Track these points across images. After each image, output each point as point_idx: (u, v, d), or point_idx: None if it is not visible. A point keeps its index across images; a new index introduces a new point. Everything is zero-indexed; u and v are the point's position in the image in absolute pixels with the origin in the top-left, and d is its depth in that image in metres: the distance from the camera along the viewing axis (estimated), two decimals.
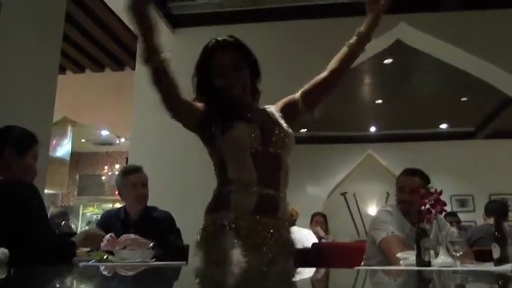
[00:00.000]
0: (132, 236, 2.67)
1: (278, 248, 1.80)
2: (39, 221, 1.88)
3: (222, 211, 1.78)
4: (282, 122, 1.93)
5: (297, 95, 1.99)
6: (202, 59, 1.89)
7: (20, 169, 2.07)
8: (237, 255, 1.69)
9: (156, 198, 3.26)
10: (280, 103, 2.02)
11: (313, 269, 1.83)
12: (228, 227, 1.74)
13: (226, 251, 1.72)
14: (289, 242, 1.89)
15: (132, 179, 3.00)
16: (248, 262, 1.69)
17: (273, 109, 1.99)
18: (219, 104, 1.85)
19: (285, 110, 1.98)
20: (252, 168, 1.79)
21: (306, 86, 1.99)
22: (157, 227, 2.92)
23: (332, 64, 1.99)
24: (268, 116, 1.94)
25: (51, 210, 6.73)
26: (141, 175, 3.04)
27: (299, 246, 4.14)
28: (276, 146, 1.85)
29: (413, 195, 2.65)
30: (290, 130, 1.92)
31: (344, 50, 2.00)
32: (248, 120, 1.85)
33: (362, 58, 5.94)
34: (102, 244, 2.66)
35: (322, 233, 5.90)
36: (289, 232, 1.89)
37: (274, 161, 1.85)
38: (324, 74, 1.98)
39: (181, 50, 5.43)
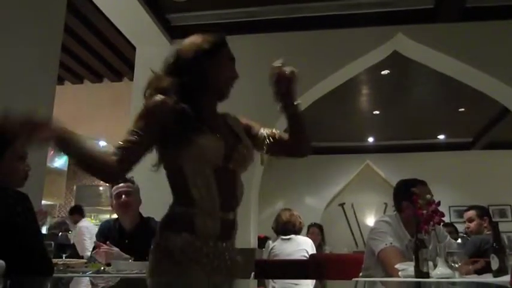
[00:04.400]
0: (114, 249, 2.70)
1: (233, 275, 1.70)
2: (23, 232, 1.79)
3: (185, 234, 1.63)
4: (245, 136, 1.79)
5: (263, 132, 1.83)
6: (208, 51, 1.70)
7: (2, 173, 1.86)
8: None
9: (153, 209, 3.24)
10: (244, 121, 1.87)
11: (311, 281, 1.82)
12: (192, 255, 1.62)
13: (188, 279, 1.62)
14: (237, 269, 1.75)
15: (116, 189, 3.03)
16: None
17: (234, 121, 1.84)
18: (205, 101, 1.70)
19: (246, 133, 1.82)
20: (216, 189, 1.65)
21: (274, 134, 1.82)
22: (151, 238, 2.91)
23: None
24: (230, 126, 1.79)
25: (49, 221, 6.70)
26: (125, 185, 3.05)
27: (305, 255, 4.15)
28: (236, 163, 1.70)
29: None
30: (252, 146, 1.79)
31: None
32: (215, 130, 1.69)
33: (359, 69, 5.98)
34: (93, 252, 2.71)
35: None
36: (237, 256, 1.77)
37: (233, 179, 1.72)
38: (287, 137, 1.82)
39: None
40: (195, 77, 1.69)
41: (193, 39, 1.74)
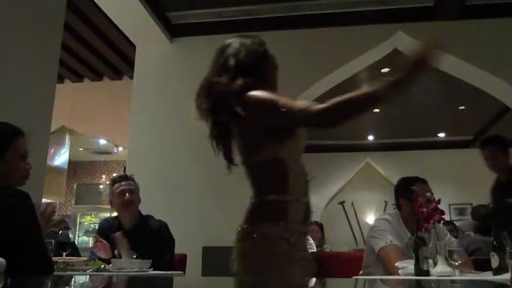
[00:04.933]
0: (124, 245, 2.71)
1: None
2: (23, 230, 1.78)
3: (282, 222, 1.68)
4: None
5: None
6: (265, 52, 1.86)
7: (3, 172, 1.85)
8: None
9: (153, 207, 3.25)
10: None
11: (311, 279, 1.82)
12: (288, 242, 1.66)
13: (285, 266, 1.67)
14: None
15: (118, 187, 3.02)
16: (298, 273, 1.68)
17: None
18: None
19: None
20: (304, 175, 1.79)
21: None
22: (151, 237, 2.92)
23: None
24: None
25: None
26: (127, 183, 3.04)
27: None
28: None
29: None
30: None
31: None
32: None
33: (359, 67, 5.96)
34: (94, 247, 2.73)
35: None
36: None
37: (303, 167, 1.83)
38: None
39: (179, 59, 5.47)
40: (259, 77, 1.75)
41: (243, 42, 1.82)
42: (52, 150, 9.85)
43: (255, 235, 1.67)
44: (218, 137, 1.78)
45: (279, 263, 1.66)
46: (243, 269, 1.66)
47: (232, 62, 1.76)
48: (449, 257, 2.12)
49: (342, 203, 10.28)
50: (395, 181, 2.97)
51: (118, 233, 2.88)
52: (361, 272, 2.75)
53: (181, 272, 3.03)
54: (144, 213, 3.10)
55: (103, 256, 2.68)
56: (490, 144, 3.66)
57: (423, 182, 2.76)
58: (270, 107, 1.65)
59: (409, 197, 2.62)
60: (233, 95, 1.69)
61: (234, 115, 1.68)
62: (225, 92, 1.71)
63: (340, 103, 1.62)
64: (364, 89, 1.62)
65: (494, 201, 3.56)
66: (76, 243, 8.57)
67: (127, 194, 2.99)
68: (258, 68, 1.78)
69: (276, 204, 1.70)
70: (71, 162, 11.27)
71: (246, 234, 1.69)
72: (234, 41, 1.83)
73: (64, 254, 2.58)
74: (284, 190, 1.70)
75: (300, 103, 1.63)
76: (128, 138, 5.48)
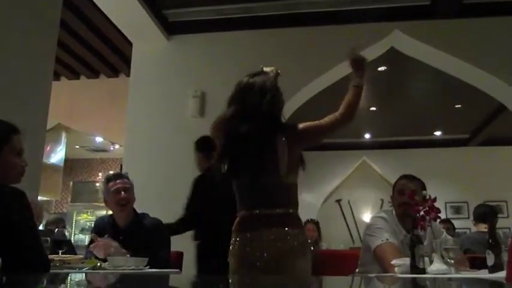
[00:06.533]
0: (114, 243, 2.68)
1: None
2: (19, 229, 1.77)
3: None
4: None
5: None
6: None
7: (1, 170, 1.86)
8: None
9: (149, 205, 3.24)
10: None
11: None
12: None
13: None
14: None
15: (113, 185, 2.99)
16: None
17: None
18: None
19: None
20: None
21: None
22: (146, 235, 2.90)
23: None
24: None
25: (46, 216, 6.69)
26: (122, 181, 3.01)
27: None
28: None
29: (413, 199, 2.66)
30: None
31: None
32: None
33: None
34: (91, 246, 2.70)
35: None
36: None
37: None
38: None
39: (176, 57, 5.46)
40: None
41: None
42: (48, 148, 9.82)
43: (299, 237, 2.15)
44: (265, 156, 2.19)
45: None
46: (297, 264, 2.12)
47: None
48: (445, 254, 2.13)
49: (338, 201, 10.30)
50: (391, 179, 3.00)
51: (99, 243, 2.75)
52: (357, 270, 2.75)
53: (178, 270, 3.02)
54: (140, 211, 3.09)
55: (100, 255, 2.67)
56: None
57: (407, 178, 2.79)
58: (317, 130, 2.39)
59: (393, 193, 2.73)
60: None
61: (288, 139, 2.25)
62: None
63: (350, 104, 2.41)
64: (352, 88, 2.51)
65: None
66: (72, 241, 8.56)
67: (122, 193, 2.97)
68: None
69: (298, 216, 2.23)
70: (67, 160, 11.23)
71: (292, 236, 2.13)
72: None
73: (60, 251, 2.58)
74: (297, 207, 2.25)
75: (328, 119, 2.37)
76: (125, 135, 5.47)
